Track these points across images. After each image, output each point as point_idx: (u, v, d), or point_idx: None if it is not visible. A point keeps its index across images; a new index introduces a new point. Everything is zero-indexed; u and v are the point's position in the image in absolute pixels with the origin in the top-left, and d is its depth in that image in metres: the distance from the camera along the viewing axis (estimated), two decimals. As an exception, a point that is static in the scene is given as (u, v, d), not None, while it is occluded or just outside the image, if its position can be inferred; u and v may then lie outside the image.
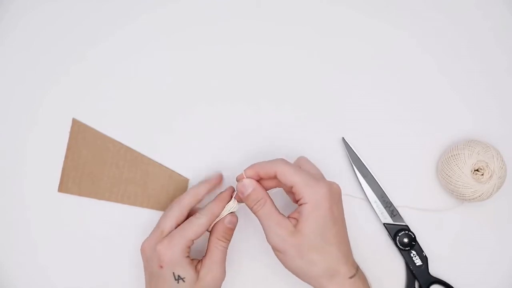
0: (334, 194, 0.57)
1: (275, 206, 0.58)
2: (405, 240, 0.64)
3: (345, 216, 0.58)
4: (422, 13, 0.68)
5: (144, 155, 0.66)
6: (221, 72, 0.67)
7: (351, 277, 0.56)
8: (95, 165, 0.66)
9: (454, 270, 0.65)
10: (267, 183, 0.59)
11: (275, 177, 0.58)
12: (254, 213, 0.58)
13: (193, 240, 0.58)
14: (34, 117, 0.66)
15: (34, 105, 0.66)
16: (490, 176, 0.61)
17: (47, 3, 0.67)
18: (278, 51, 0.67)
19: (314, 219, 0.55)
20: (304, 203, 0.56)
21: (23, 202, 0.66)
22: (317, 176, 0.59)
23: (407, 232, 0.64)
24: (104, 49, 0.67)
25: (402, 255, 0.65)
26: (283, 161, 0.58)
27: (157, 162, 0.66)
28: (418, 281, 0.64)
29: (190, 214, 0.60)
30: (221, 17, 0.68)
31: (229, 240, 0.60)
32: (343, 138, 0.66)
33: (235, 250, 0.64)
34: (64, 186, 0.66)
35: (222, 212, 0.59)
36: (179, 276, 0.57)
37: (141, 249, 0.59)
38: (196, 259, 0.59)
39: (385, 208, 0.65)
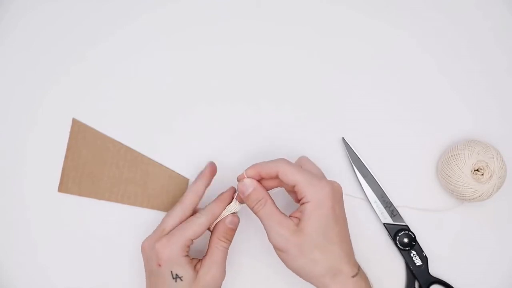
0: (336, 193, 0.57)
1: (276, 206, 0.58)
2: (405, 240, 0.64)
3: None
4: (422, 13, 0.68)
5: (144, 155, 0.66)
6: (221, 72, 0.67)
7: (353, 276, 0.56)
8: (95, 165, 0.66)
9: (454, 270, 0.65)
10: (268, 183, 0.59)
11: (276, 177, 0.58)
12: (255, 213, 0.58)
13: (192, 240, 0.58)
14: (34, 117, 0.66)
15: (34, 105, 0.66)
16: (490, 176, 0.61)
17: (47, 3, 0.67)
18: (278, 51, 0.67)
19: (316, 217, 0.55)
20: (307, 202, 0.56)
21: (23, 202, 0.66)
22: (319, 176, 0.59)
23: (407, 232, 0.64)
24: (104, 49, 0.67)
25: (402, 255, 0.65)
26: (285, 160, 0.58)
27: (157, 162, 0.66)
28: (418, 281, 0.64)
29: (193, 214, 0.60)
30: (221, 17, 0.68)
31: (230, 241, 0.59)
32: (343, 138, 0.66)
33: (236, 251, 0.64)
34: (64, 186, 0.66)
35: (223, 212, 0.59)
36: (177, 275, 0.57)
37: (141, 247, 0.59)
38: (196, 259, 0.59)
39: (385, 208, 0.65)
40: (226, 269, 0.59)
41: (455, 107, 0.67)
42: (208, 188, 0.62)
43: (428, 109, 0.67)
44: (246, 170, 0.59)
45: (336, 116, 0.67)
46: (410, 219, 0.65)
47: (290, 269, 0.57)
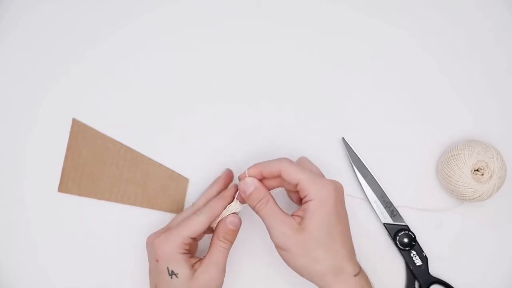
0: (339, 192, 0.57)
1: (278, 205, 0.58)
2: (405, 240, 0.64)
3: (346, 215, 0.58)
4: (422, 13, 0.68)
5: (144, 155, 0.66)
6: (221, 72, 0.67)
7: (355, 275, 0.56)
8: (95, 165, 0.66)
9: (454, 270, 0.65)
10: (270, 183, 0.59)
11: (278, 176, 0.58)
12: (257, 213, 0.58)
13: (190, 238, 0.57)
14: (34, 117, 0.66)
15: (34, 105, 0.66)
16: (490, 176, 0.61)
17: (47, 3, 0.67)
18: (278, 51, 0.67)
19: (319, 216, 0.55)
20: (310, 200, 0.56)
21: (23, 202, 0.66)
22: (320, 175, 0.59)
23: (407, 232, 0.64)
24: (104, 49, 0.67)
25: (402, 255, 0.65)
26: (287, 159, 0.58)
27: (157, 162, 0.66)
28: (418, 281, 0.64)
29: None
30: (221, 17, 0.68)
31: (231, 242, 0.59)
32: (343, 138, 0.66)
33: (237, 250, 0.64)
34: (64, 186, 0.66)
35: (224, 212, 0.59)
36: (172, 271, 0.56)
37: (146, 243, 0.59)
38: (197, 258, 0.59)
39: (385, 208, 0.65)
40: (226, 270, 0.58)
41: (455, 107, 0.67)
42: (208, 188, 0.62)
43: (428, 109, 0.67)
44: (248, 169, 0.59)
45: (336, 116, 0.67)
46: (410, 219, 0.65)
47: (292, 268, 0.57)
